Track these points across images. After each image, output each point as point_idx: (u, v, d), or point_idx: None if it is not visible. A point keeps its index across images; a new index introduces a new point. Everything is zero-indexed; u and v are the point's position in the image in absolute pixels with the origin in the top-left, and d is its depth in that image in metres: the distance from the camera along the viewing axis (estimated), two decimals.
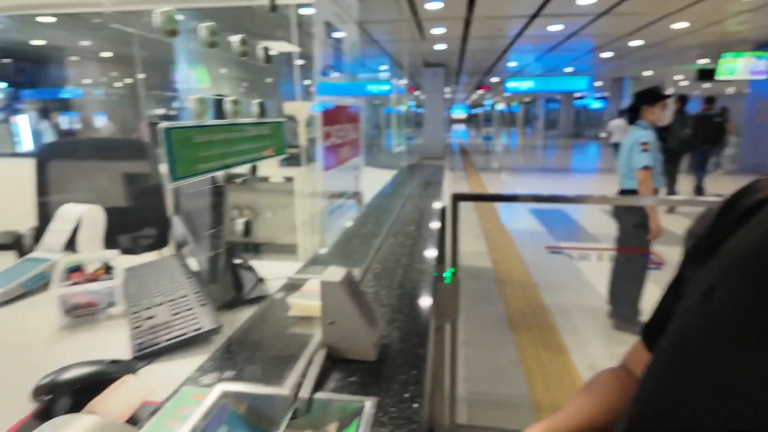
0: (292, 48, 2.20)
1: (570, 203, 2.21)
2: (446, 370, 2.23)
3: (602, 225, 4.65)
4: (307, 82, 2.19)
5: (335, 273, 0.72)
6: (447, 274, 2.07)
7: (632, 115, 2.88)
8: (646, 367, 0.40)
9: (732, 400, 0.31)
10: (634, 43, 9.15)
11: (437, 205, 2.01)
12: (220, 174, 0.64)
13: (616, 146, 8.82)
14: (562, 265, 3.80)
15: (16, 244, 1.64)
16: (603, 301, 3.01)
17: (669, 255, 2.26)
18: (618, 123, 9.69)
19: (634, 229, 2.72)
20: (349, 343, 0.73)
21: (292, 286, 1.03)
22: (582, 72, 13.99)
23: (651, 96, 2.80)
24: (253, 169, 0.88)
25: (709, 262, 0.39)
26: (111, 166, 2.14)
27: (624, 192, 2.85)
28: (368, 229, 1.53)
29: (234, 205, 3.47)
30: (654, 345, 0.44)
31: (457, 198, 2.18)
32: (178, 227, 1.20)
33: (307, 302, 0.87)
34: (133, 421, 0.59)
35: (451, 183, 7.73)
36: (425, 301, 0.95)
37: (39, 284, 1.04)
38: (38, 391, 0.63)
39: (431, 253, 1.26)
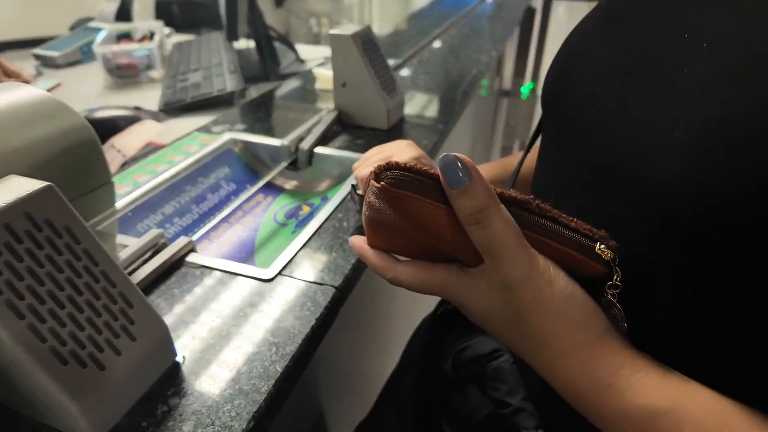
0: None
1: None
2: None
3: None
4: None
5: (348, 27, 0.65)
6: (524, 89, 1.88)
7: None
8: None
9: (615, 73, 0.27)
10: None
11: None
12: None
13: None
14: None
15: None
16: None
17: None
18: None
19: None
20: (361, 108, 0.69)
21: (328, 63, 0.98)
22: None
23: None
24: None
25: None
26: None
27: None
28: (430, 20, 1.36)
29: (309, 12, 3.30)
30: None
31: None
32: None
33: (330, 73, 0.82)
34: (142, 156, 0.63)
35: None
36: (470, 92, 0.86)
37: None
38: None
39: (499, 50, 1.11)
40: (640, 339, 0.24)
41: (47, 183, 0.28)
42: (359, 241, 0.29)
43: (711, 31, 0.23)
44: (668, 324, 0.23)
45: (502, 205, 0.23)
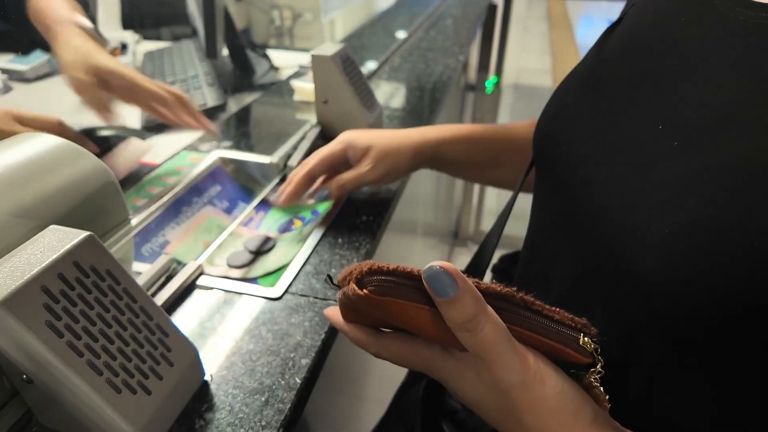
0: None
1: None
2: (476, 185, 2.27)
3: None
4: None
5: (328, 47, 0.69)
6: (488, 83, 1.95)
7: None
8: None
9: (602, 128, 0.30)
10: None
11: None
12: None
13: None
14: None
15: None
16: None
17: None
18: None
19: None
20: (342, 123, 0.73)
21: (303, 74, 1.00)
22: None
23: None
24: None
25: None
26: None
27: None
28: (398, 21, 1.40)
29: (272, 4, 3.25)
30: None
31: None
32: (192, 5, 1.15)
33: (310, 86, 0.85)
34: (136, 178, 0.65)
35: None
36: (442, 98, 0.91)
37: None
38: None
39: (465, 53, 1.16)
40: (620, 414, 0.25)
41: (88, 233, 0.31)
42: (336, 315, 0.29)
43: (683, 129, 0.24)
44: (646, 399, 0.26)
45: (491, 309, 0.23)
